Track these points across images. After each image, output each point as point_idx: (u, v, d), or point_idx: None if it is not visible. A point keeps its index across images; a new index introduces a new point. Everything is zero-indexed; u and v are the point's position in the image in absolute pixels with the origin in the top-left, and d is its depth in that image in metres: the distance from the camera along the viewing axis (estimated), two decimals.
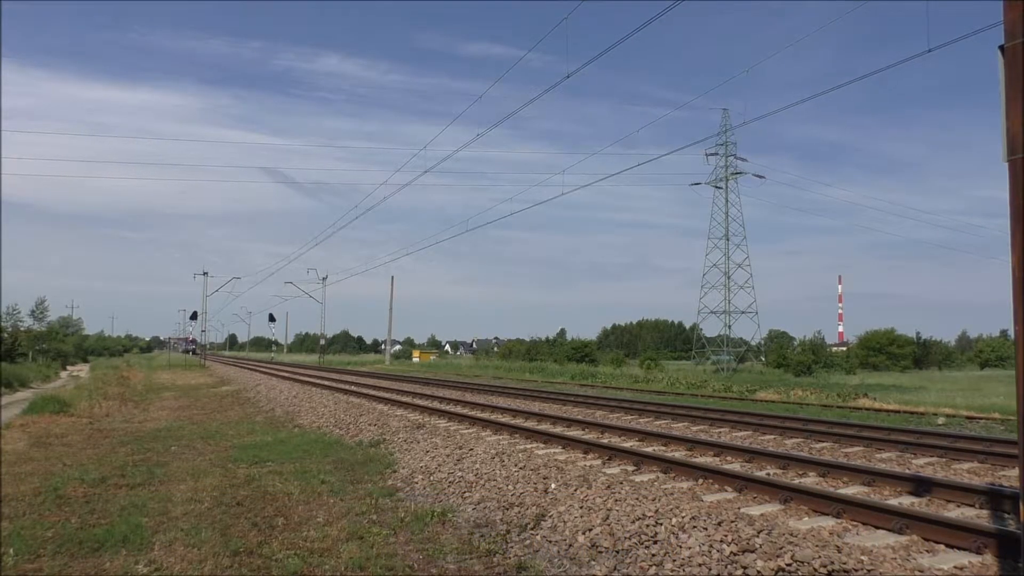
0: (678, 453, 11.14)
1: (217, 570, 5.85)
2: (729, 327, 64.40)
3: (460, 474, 9.46)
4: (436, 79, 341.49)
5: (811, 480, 8.91)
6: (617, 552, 6.15)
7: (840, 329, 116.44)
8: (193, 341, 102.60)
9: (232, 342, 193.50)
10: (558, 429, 14.09)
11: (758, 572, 5.30)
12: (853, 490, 8.22)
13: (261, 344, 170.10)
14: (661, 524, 6.46)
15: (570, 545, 6.47)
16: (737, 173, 63.42)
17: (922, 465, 10.21)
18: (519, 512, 7.56)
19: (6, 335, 53.95)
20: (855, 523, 6.72)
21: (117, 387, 29.54)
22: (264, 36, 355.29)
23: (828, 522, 6.77)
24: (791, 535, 5.85)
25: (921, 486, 8.13)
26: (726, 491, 8.23)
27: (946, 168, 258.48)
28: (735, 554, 5.62)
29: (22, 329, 63.54)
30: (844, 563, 5.23)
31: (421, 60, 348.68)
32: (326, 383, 30.14)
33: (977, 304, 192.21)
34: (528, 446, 11.93)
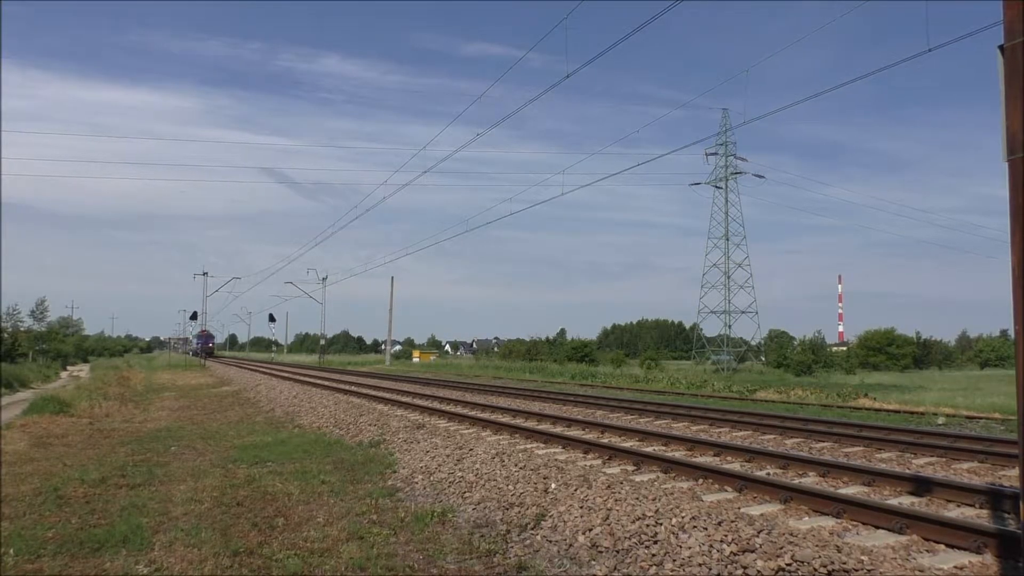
0: (678, 453, 11.13)
1: (217, 570, 5.85)
2: (729, 327, 64.56)
3: (460, 474, 9.45)
4: (436, 79, 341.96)
5: (811, 480, 8.91)
6: (617, 552, 6.15)
7: (840, 329, 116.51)
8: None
9: (232, 342, 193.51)
10: (558, 429, 14.09)
11: (758, 572, 5.30)
12: (853, 490, 8.22)
13: (261, 344, 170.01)
14: (661, 524, 6.46)
15: (570, 545, 6.47)
16: (737, 173, 63.57)
17: (922, 465, 10.21)
18: (519, 512, 7.56)
19: (6, 335, 53.97)
20: (855, 523, 6.72)
21: (117, 387, 29.56)
22: (264, 36, 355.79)
23: (828, 522, 6.77)
24: (791, 535, 5.85)
25: (921, 486, 8.13)
26: (726, 491, 8.23)
27: (946, 167, 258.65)
28: (735, 554, 5.62)
29: (22, 329, 63.66)
30: (844, 563, 5.22)
31: (421, 60, 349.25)
32: (326, 383, 30.14)
33: (977, 303, 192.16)
34: (528, 446, 11.93)
